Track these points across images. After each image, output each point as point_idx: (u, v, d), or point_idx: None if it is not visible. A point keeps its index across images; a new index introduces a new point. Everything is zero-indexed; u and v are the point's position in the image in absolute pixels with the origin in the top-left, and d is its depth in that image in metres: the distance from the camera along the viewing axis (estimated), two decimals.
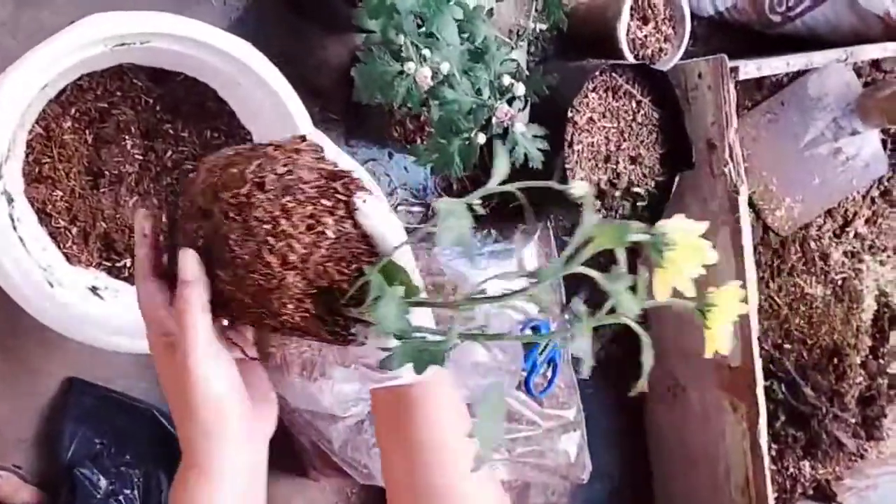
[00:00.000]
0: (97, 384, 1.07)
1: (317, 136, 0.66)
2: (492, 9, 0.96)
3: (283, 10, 1.10)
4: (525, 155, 0.87)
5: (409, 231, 1.20)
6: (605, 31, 1.16)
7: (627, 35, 1.14)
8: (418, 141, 1.05)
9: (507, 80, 0.84)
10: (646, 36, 1.17)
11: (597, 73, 1.07)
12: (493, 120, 0.83)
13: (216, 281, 0.61)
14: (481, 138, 0.85)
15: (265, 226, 0.58)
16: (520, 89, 0.83)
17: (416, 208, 1.23)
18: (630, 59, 1.15)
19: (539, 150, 0.87)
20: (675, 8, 1.18)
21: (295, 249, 0.58)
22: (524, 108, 0.85)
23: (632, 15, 1.15)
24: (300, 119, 0.92)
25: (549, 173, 1.00)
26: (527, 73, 0.85)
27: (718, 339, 0.57)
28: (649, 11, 1.17)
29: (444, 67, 0.82)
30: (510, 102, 0.83)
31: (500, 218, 1.25)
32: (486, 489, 0.69)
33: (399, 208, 1.21)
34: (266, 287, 0.59)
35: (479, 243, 1.21)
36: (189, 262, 0.61)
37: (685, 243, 0.55)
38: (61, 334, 0.88)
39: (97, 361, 1.05)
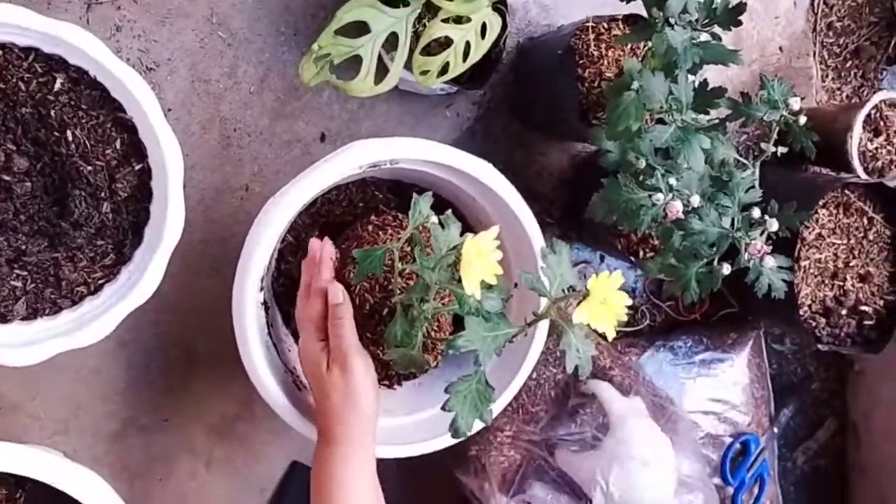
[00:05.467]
0: None
1: None
2: (725, 126, 0.96)
3: (509, 120, 1.14)
4: (769, 285, 0.85)
5: (617, 334, 1.22)
6: (833, 141, 1.14)
7: (858, 147, 1.11)
8: (641, 253, 1.06)
9: (756, 212, 0.84)
10: (877, 148, 1.14)
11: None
12: (745, 255, 0.82)
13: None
14: (726, 269, 0.84)
15: None
16: (773, 225, 0.82)
17: None
18: (860, 172, 1.11)
19: (783, 280, 0.86)
20: None
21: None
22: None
23: (863, 127, 1.12)
24: (534, 237, 0.94)
25: (792, 304, 0.98)
26: (776, 206, 0.84)
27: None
28: (881, 124, 1.14)
29: (695, 200, 0.83)
30: (767, 238, 0.82)
31: (710, 326, 1.24)
32: None
33: None
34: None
35: (690, 352, 1.19)
36: (339, 290, 0.85)
37: None
38: (287, 423, 0.92)
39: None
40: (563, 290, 0.75)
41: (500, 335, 0.75)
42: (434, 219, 0.77)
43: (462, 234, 0.79)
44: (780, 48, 1.25)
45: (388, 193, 1.02)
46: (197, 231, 1.03)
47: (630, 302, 0.72)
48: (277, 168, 1.06)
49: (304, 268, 0.89)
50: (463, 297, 0.73)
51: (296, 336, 1.00)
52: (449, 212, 0.79)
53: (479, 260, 0.70)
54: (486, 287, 0.74)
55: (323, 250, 0.87)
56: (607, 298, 0.69)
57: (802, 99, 0.98)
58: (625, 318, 0.71)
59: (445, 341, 0.84)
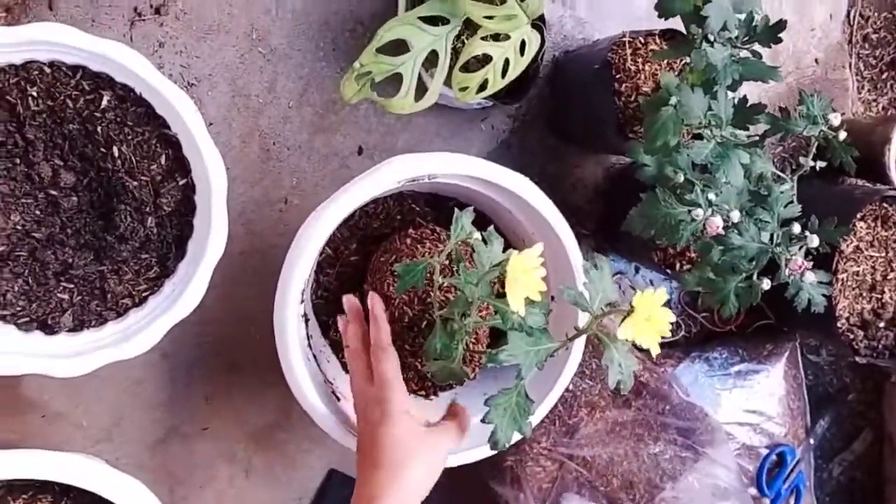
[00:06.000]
0: (354, 478, 1.14)
1: None
2: (764, 140, 0.96)
3: (545, 132, 1.15)
4: (809, 300, 0.85)
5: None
6: (871, 153, 1.13)
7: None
8: (677, 265, 1.06)
9: (796, 227, 0.84)
10: None
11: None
12: (786, 270, 0.82)
13: None
14: (766, 284, 0.84)
15: None
16: (813, 241, 0.82)
17: None
18: None
19: (823, 295, 0.86)
20: None
21: None
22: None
23: None
24: (572, 251, 0.95)
25: (829, 316, 0.98)
26: (816, 221, 0.84)
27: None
28: None
29: (735, 216, 0.83)
30: (806, 253, 0.82)
31: (746, 337, 1.24)
32: None
33: None
34: None
35: (726, 363, 1.19)
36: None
37: None
38: (327, 433, 0.93)
39: (354, 457, 1.12)
40: (604, 307, 0.76)
41: (542, 350, 0.76)
42: (477, 235, 0.78)
43: (504, 250, 0.80)
44: (816, 60, 1.25)
45: (426, 206, 1.03)
46: (238, 243, 1.05)
47: (673, 318, 0.72)
48: (316, 181, 1.07)
49: (354, 324, 0.88)
50: (506, 312, 0.74)
51: (334, 347, 1.02)
52: (491, 228, 0.80)
53: (525, 276, 0.71)
54: (529, 302, 0.75)
55: (376, 308, 0.86)
56: (652, 315, 0.69)
57: (843, 115, 0.98)
58: (668, 334, 0.72)
59: (486, 354, 0.85)
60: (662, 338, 1.20)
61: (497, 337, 0.98)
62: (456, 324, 0.82)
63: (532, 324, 0.76)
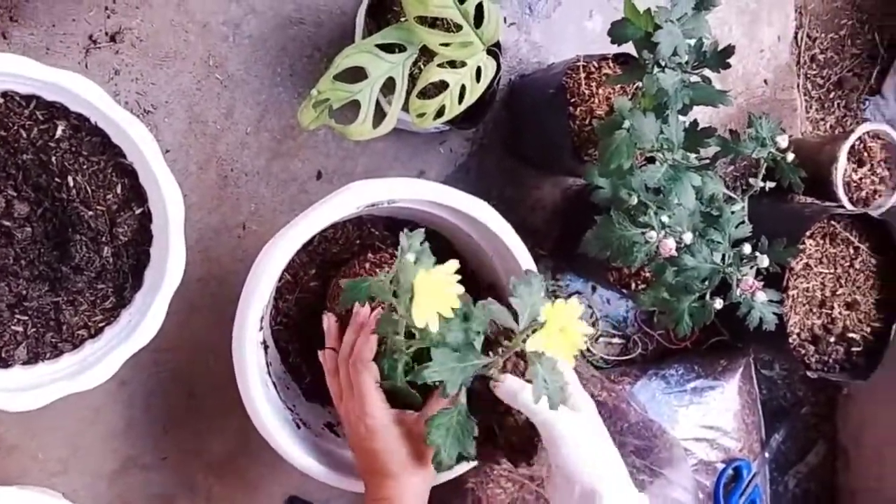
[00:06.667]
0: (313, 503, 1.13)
1: None
2: (715, 162, 0.98)
3: (502, 154, 1.16)
4: (760, 318, 0.87)
5: (610, 363, 1.23)
6: (819, 171, 1.16)
7: (843, 177, 1.14)
8: (633, 285, 1.07)
9: (747, 248, 0.86)
10: (861, 178, 1.16)
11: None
12: (737, 290, 0.84)
13: None
14: (718, 304, 0.86)
15: None
16: (763, 261, 0.84)
17: (616, 340, 1.25)
18: (846, 202, 1.14)
19: (774, 313, 0.88)
20: (891, 150, 1.17)
21: None
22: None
23: (847, 158, 1.15)
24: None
25: (781, 332, 1.00)
26: (766, 242, 0.86)
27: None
28: (865, 154, 1.16)
29: (687, 237, 0.84)
30: (757, 272, 0.84)
31: (701, 353, 1.26)
32: None
33: (600, 339, 1.24)
34: None
35: (682, 380, 1.21)
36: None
37: None
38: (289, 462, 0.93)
39: (314, 484, 1.11)
40: (534, 321, 0.75)
41: (469, 366, 0.75)
42: (410, 256, 0.77)
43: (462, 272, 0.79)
44: (765, 81, 1.28)
45: (385, 231, 1.04)
46: (196, 269, 1.04)
47: (591, 331, 0.71)
48: (274, 206, 1.07)
49: (355, 335, 0.87)
50: (425, 329, 0.73)
51: (294, 374, 1.01)
52: (426, 246, 0.78)
53: (433, 294, 0.70)
54: (446, 319, 0.73)
55: (373, 322, 0.85)
56: (566, 327, 0.69)
57: (790, 136, 1.00)
58: (584, 347, 0.70)
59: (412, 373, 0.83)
60: (619, 355, 1.24)
61: None
62: (390, 342, 0.82)
63: (451, 340, 0.75)
